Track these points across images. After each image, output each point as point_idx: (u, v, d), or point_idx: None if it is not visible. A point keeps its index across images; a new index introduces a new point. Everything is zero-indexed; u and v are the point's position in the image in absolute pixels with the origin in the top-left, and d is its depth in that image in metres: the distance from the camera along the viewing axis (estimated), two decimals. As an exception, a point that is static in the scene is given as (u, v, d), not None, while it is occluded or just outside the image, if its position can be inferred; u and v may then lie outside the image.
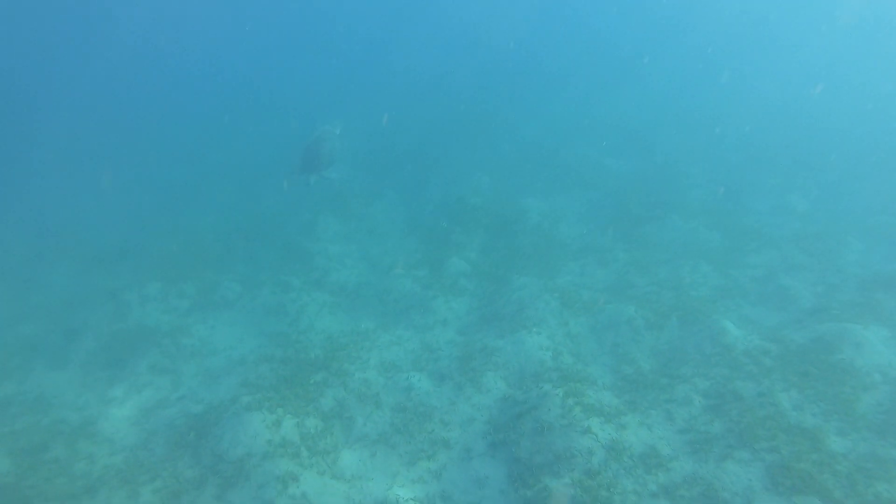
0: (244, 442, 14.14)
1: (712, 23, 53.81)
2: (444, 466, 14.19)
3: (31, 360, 18.50)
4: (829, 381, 15.37)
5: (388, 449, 14.82)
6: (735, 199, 26.89)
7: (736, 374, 15.99)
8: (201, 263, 23.46)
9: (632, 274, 21.20)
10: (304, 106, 41.30)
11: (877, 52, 43.83)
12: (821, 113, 35.37)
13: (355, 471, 14.29)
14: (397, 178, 31.35)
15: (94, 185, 32.94)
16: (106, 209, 30.75)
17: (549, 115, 38.04)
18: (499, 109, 38.65)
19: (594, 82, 44.97)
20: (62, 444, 15.04)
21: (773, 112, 35.93)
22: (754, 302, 19.52)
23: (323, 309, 20.50)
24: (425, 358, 17.20)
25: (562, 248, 23.51)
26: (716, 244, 23.11)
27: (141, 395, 16.71)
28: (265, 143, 36.40)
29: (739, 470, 13.09)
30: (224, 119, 40.16)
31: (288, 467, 13.72)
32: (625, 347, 17.91)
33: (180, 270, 22.81)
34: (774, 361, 16.29)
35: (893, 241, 22.20)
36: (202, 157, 36.47)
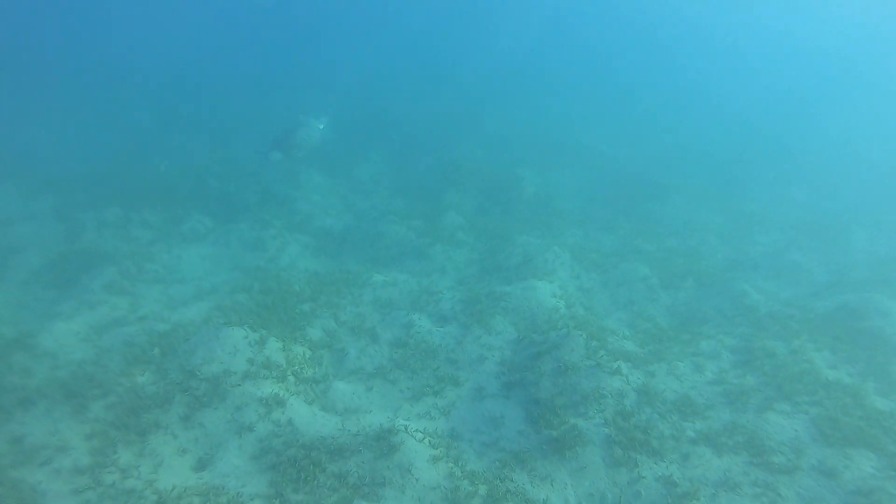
0: (221, 358, 11.94)
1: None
2: (453, 404, 12.37)
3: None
4: (860, 345, 14.48)
5: (387, 384, 12.89)
6: (735, 187, 26.40)
7: (763, 334, 14.91)
8: (169, 197, 21.01)
9: (639, 241, 20.07)
10: (293, 84, 39.11)
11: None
12: (818, 114, 36.01)
13: (349, 403, 12.29)
14: (383, 145, 29.62)
15: (56, 117, 29.90)
16: (67, 141, 27.72)
17: (542, 100, 37.25)
18: (490, 93, 37.68)
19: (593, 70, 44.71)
20: (-9, 356, 12.39)
21: (769, 109, 36.40)
22: (767, 275, 18.63)
23: (306, 250, 18.45)
24: (425, 300, 15.40)
25: (561, 217, 22.24)
26: (720, 224, 22.35)
27: (94, 313, 14.21)
28: (247, 114, 34.00)
29: (783, 421, 11.82)
30: (207, 82, 37.80)
31: (273, 390, 11.60)
32: (640, 305, 16.62)
33: (145, 200, 20.29)
34: (801, 325, 15.30)
35: (894, 231, 21.94)
36: (177, 108, 33.82)
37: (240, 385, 11.60)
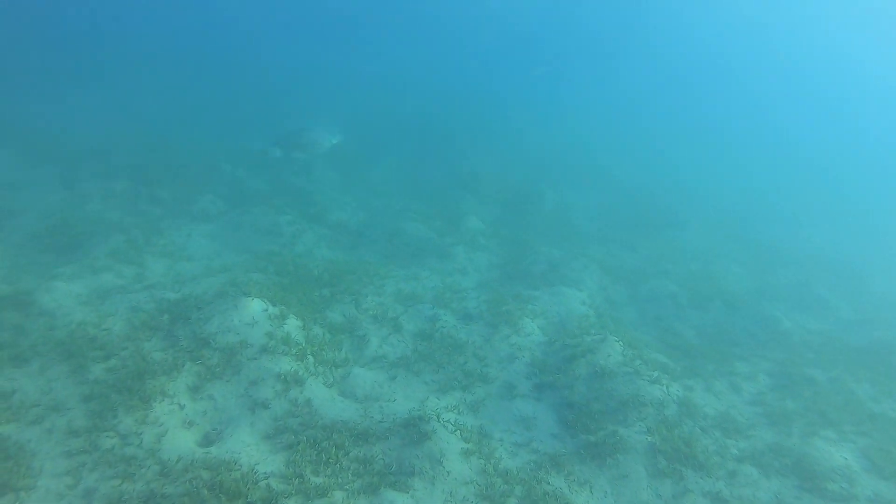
0: (238, 329, 10.99)
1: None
2: (482, 401, 11.48)
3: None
4: (900, 379, 13.85)
5: (411, 374, 11.98)
6: (750, 222, 26.10)
7: (799, 360, 14.30)
8: (180, 177, 20.13)
9: (661, 262, 19.50)
10: (310, 87, 38.75)
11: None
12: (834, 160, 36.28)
13: (369, 391, 11.35)
14: (397, 152, 29.06)
15: (70, 92, 29.09)
16: (80, 116, 26.79)
17: (561, 124, 37.14)
18: (507, 110, 37.55)
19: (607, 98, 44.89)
20: (-18, 310, 11.33)
21: (785, 148, 36.70)
22: (794, 306, 18.10)
23: (321, 240, 17.62)
24: (448, 296, 14.61)
25: (581, 233, 21.71)
26: (740, 253, 21.91)
27: (97, 278, 13.21)
28: (262, 109, 33.45)
29: (831, 448, 11.13)
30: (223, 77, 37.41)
31: (291, 368, 10.65)
32: (669, 321, 15.95)
33: (155, 177, 19.42)
34: (836, 355, 14.73)
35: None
36: (193, 94, 33.17)
37: (256, 359, 10.64)
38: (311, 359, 11.14)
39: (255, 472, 8.55)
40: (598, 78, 53.23)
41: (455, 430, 10.01)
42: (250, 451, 9.20)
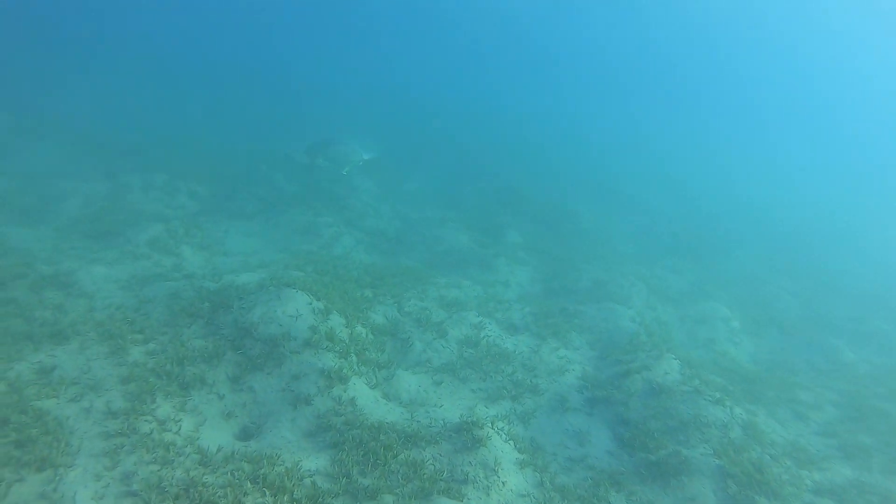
0: (281, 320, 10.51)
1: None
2: (533, 413, 10.83)
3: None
4: (977, 419, 12.85)
5: (457, 381, 11.38)
6: (796, 251, 25.21)
7: (867, 393, 13.42)
8: (218, 175, 19.98)
9: (708, 286, 18.74)
10: (347, 99, 38.94)
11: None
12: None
13: (414, 395, 10.76)
14: (431, 169, 28.77)
15: (116, 89, 29.51)
16: (123, 112, 27.03)
17: (591, 146, 36.66)
18: (540, 132, 37.28)
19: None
20: (23, 288, 11.03)
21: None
22: (853, 338, 17.15)
23: (360, 244, 17.23)
24: (492, 306, 14.05)
25: (622, 256, 21.03)
26: (787, 283, 21.03)
27: (136, 264, 12.90)
28: (299, 117, 33.70)
29: (914, 486, 10.17)
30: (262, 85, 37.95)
31: (336, 364, 10.11)
32: (721, 345, 15.17)
33: (193, 173, 19.27)
34: (905, 390, 13.76)
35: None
36: (236, 101, 33.49)
37: (299, 353, 10.13)
38: (354, 357, 10.60)
39: (300, 468, 7.96)
40: (634, 104, 52.87)
41: (509, 440, 9.35)
42: (291, 447, 8.65)
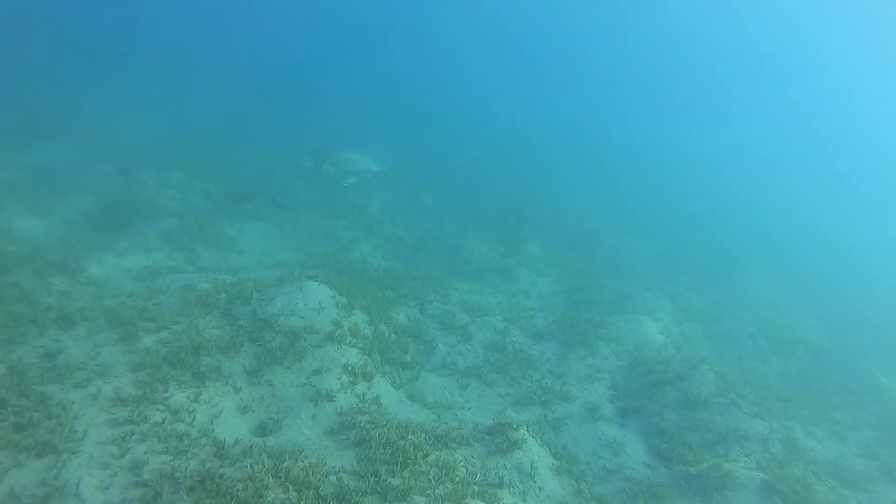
0: (303, 313, 9.96)
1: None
2: (564, 420, 10.19)
3: (7, 201, 14.01)
4: None
5: (484, 385, 10.78)
6: (817, 275, 24.72)
7: (906, 415, 12.73)
8: (233, 177, 19.60)
9: (733, 307, 18.17)
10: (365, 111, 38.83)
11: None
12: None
13: (439, 397, 10.16)
14: (447, 183, 28.40)
15: (136, 91, 29.40)
16: (135, 115, 26.73)
17: (615, 175, 36.34)
18: (557, 151, 37.10)
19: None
20: (28, 273, 10.51)
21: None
22: (885, 363, 16.55)
23: (377, 250, 16.75)
24: (516, 314, 13.52)
25: (643, 274, 20.50)
26: (812, 307, 20.50)
27: (148, 256, 12.39)
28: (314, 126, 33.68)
29: (967, 511, 9.51)
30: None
31: (360, 360, 9.53)
32: (750, 363, 14.58)
33: (211, 173, 18.89)
34: (945, 414, 13.12)
35: None
36: (251, 102, 33.41)
37: (321, 347, 9.55)
38: (377, 356, 10.01)
39: (324, 464, 7.32)
40: (652, 129, 52.74)
41: (543, 444, 8.72)
42: (312, 445, 8.00)
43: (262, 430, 8.48)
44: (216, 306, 10.09)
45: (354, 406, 8.84)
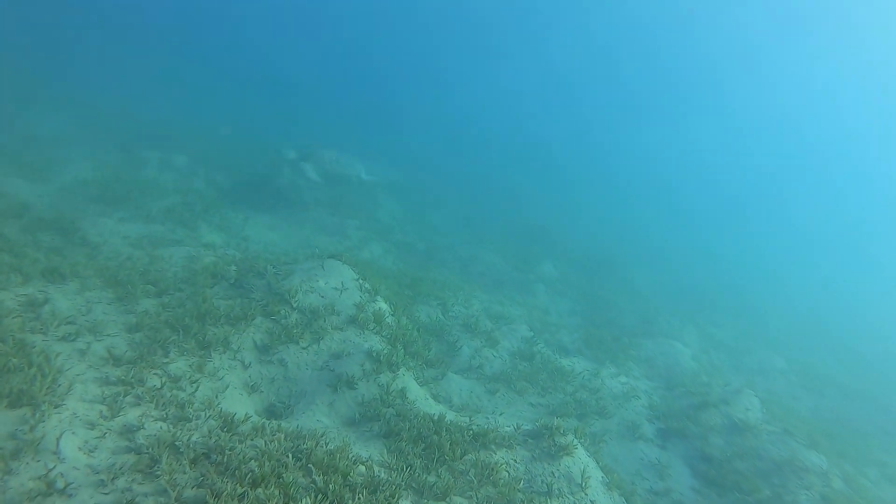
0: (323, 291, 8.90)
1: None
2: (602, 436, 9.11)
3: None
4: None
5: (513, 393, 9.70)
6: (828, 328, 24.05)
7: (953, 464, 11.81)
8: (239, 166, 18.63)
9: (756, 342, 17.35)
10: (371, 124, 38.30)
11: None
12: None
13: (466, 400, 9.08)
14: (458, 203, 27.49)
15: (148, 75, 28.54)
16: (141, 97, 25.77)
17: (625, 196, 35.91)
18: (570, 177, 36.62)
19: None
20: (15, 227, 9.42)
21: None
22: (909, 412, 15.70)
23: (388, 253, 15.75)
24: (539, 327, 12.54)
25: (657, 305, 19.64)
26: (828, 351, 19.76)
27: (149, 226, 11.30)
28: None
29: None
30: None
31: (384, 349, 8.45)
32: (781, 398, 13.62)
33: (216, 161, 17.94)
34: None
35: None
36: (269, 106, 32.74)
37: (342, 330, 8.47)
38: (401, 348, 8.90)
39: (350, 450, 6.17)
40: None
41: (591, 455, 7.63)
42: (331, 435, 6.83)
43: (272, 413, 7.32)
44: (225, 277, 9.00)
45: (377, 397, 7.72)
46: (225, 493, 4.87)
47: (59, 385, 5.75)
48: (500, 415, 8.63)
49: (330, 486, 5.33)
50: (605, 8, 67.33)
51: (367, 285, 9.50)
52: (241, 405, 7.03)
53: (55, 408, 5.42)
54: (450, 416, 8.12)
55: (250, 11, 57.29)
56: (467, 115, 51.04)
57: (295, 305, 8.49)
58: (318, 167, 17.48)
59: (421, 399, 8.29)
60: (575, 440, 7.40)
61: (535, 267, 17.62)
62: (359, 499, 5.28)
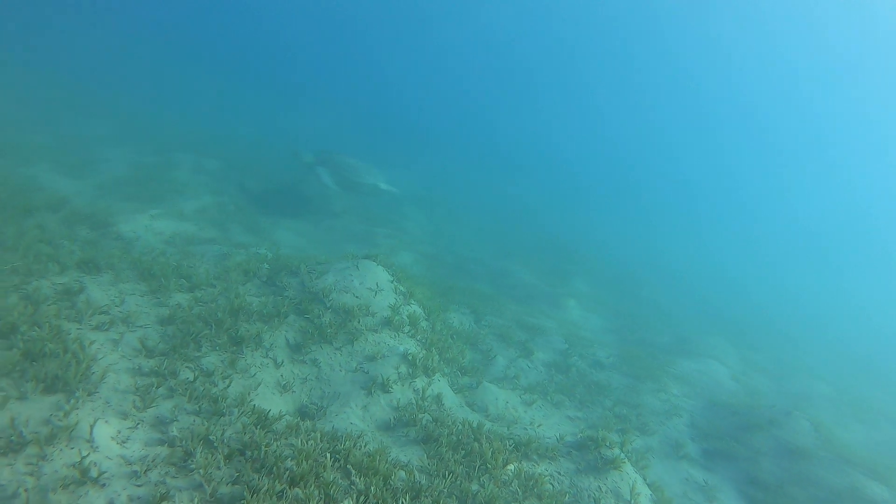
0: (358, 291, 8.65)
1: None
2: (644, 454, 8.64)
3: (39, 160, 13.01)
4: None
5: (550, 405, 9.31)
6: (866, 356, 23.14)
7: None
8: (270, 173, 18.62)
9: (794, 368, 16.65)
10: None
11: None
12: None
13: (502, 410, 8.71)
14: (479, 215, 27.28)
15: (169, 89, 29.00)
16: (177, 108, 26.13)
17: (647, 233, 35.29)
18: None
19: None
20: (54, 220, 9.36)
21: None
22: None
23: (418, 263, 15.47)
24: (573, 340, 12.10)
25: (688, 327, 19.05)
26: (868, 384, 18.91)
27: (182, 224, 11.21)
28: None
29: None
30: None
31: (420, 353, 8.15)
32: (832, 426, 12.92)
33: (248, 167, 17.96)
34: None
35: None
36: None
37: (377, 331, 8.19)
38: (436, 353, 8.58)
39: (389, 453, 5.86)
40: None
41: (638, 471, 7.19)
42: (367, 438, 6.52)
43: (304, 414, 7.04)
44: (257, 275, 8.81)
45: (412, 402, 7.41)
46: (263, 490, 4.58)
47: (93, 373, 5.55)
48: (539, 426, 8.23)
49: (371, 488, 5.01)
50: (635, 32, 67.39)
51: (401, 288, 9.23)
52: (273, 404, 6.76)
53: (89, 395, 5.21)
54: (488, 424, 7.76)
55: (282, 23, 58.50)
56: (489, 134, 51.11)
57: (328, 305, 8.24)
58: (335, 173, 16.98)
59: (457, 406, 7.96)
60: (621, 453, 6.98)
61: (565, 283, 17.25)
62: (402, 503, 4.94)
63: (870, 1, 54.04)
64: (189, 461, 4.83)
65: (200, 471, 4.70)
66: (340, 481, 5.16)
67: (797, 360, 18.90)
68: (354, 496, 4.81)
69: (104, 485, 4.36)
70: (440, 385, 7.97)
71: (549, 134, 59.04)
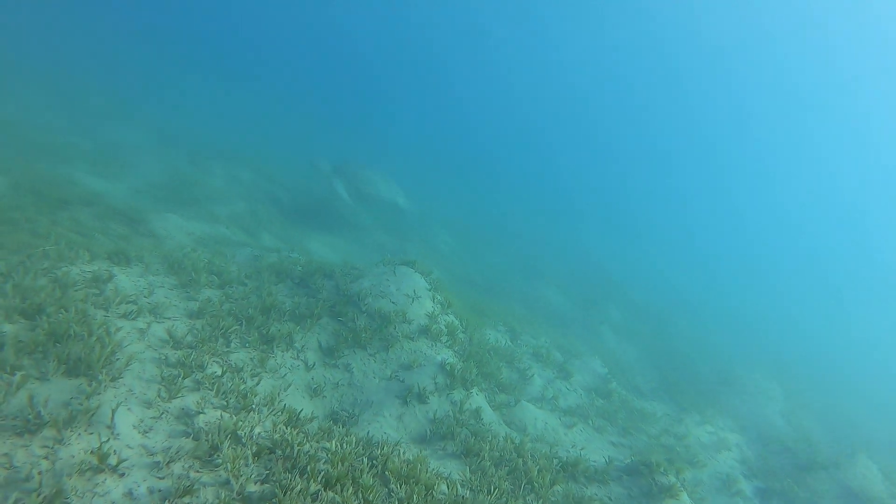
0: (395, 297, 8.23)
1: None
2: (695, 487, 7.95)
3: (77, 161, 13.02)
4: None
5: (591, 429, 8.69)
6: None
7: None
8: (302, 187, 18.48)
9: (847, 412, 15.70)
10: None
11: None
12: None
13: (541, 431, 8.13)
14: (506, 244, 26.78)
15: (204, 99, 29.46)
16: (210, 118, 26.41)
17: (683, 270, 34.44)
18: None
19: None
20: (88, 214, 9.20)
21: None
22: None
23: (449, 281, 15.01)
24: (611, 366, 11.49)
25: (730, 361, 18.20)
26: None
27: (213, 226, 11.00)
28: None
29: None
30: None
31: (458, 364, 7.66)
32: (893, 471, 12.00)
33: (281, 180, 17.86)
34: None
35: None
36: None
37: (413, 339, 7.74)
38: (474, 366, 8.08)
39: (428, 464, 5.35)
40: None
41: (697, 503, 6.54)
42: (402, 448, 6.01)
43: (335, 420, 6.58)
44: (290, 276, 8.47)
45: (449, 414, 6.90)
46: (296, 490, 4.11)
47: (118, 359, 5.18)
48: (581, 449, 7.62)
49: (413, 497, 4.51)
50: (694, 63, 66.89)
51: (439, 297, 8.81)
52: (302, 407, 6.30)
53: (112, 381, 4.84)
54: (530, 443, 7.21)
55: (305, 37, 59.72)
56: (519, 166, 50.98)
57: (364, 309, 7.83)
58: (350, 184, 16.69)
59: (495, 423, 7.42)
60: (677, 482, 6.35)
61: (600, 309, 16.65)
62: (447, 515, 4.43)
63: (870, 8, 53.08)
64: (215, 455, 4.40)
65: (227, 465, 4.26)
66: (379, 488, 4.66)
67: (844, 399, 17.91)
68: (396, 504, 4.31)
69: (123, 474, 3.95)
70: (478, 399, 7.46)
71: (555, 159, 58.53)
